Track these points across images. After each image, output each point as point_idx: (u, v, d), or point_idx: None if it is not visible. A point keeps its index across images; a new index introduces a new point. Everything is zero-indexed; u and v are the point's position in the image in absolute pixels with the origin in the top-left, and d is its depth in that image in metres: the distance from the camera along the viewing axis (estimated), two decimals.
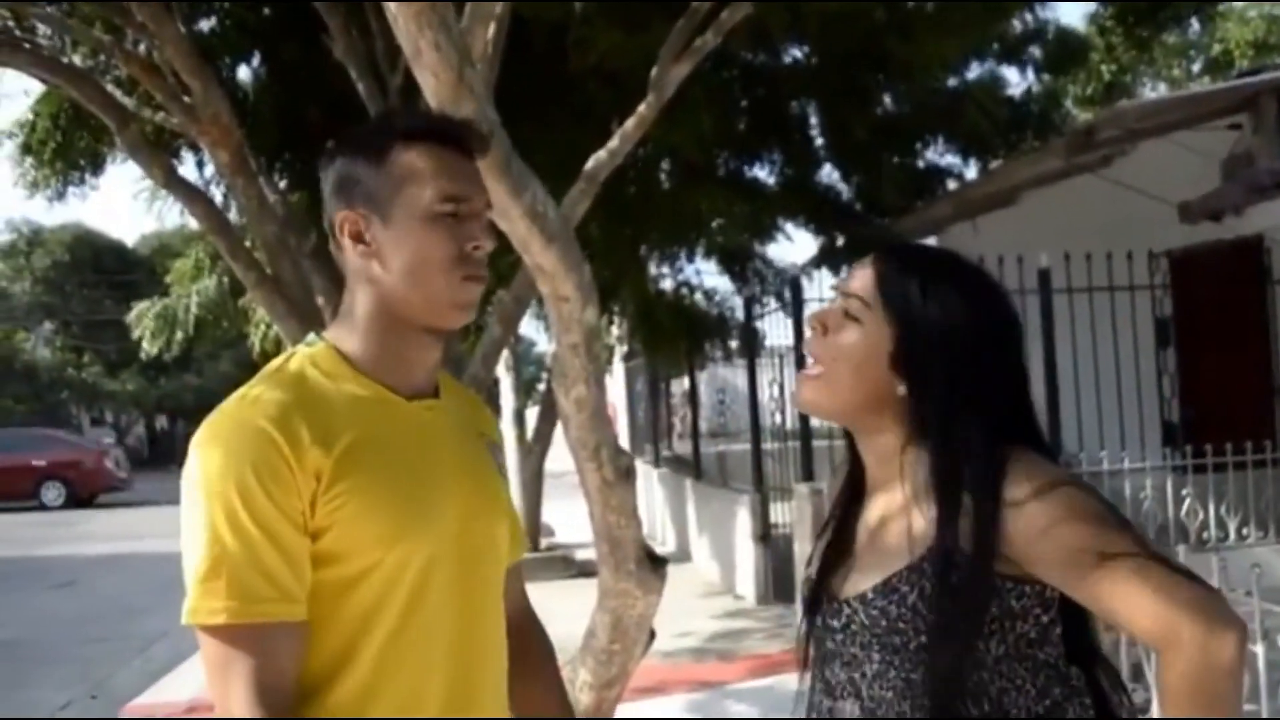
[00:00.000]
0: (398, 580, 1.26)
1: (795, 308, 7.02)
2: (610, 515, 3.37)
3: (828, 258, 10.26)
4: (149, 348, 10.54)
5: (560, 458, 11.42)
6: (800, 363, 7.06)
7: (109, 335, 34.53)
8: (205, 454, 1.23)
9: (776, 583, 7.76)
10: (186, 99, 4.18)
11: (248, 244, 4.74)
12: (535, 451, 10.88)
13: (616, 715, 4.01)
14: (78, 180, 6.80)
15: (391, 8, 2.00)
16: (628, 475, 3.32)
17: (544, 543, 10.72)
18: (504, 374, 13.17)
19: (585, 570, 9.38)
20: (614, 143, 4.15)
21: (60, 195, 6.66)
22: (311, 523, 1.22)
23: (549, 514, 11.73)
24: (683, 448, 12.17)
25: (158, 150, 4.84)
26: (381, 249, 1.31)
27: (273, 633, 1.19)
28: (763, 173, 10.10)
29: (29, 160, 6.40)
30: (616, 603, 3.57)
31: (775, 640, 6.84)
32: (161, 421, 42.63)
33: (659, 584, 3.56)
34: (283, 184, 6.07)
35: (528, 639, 1.52)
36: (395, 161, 1.30)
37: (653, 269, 10.39)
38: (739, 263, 10.54)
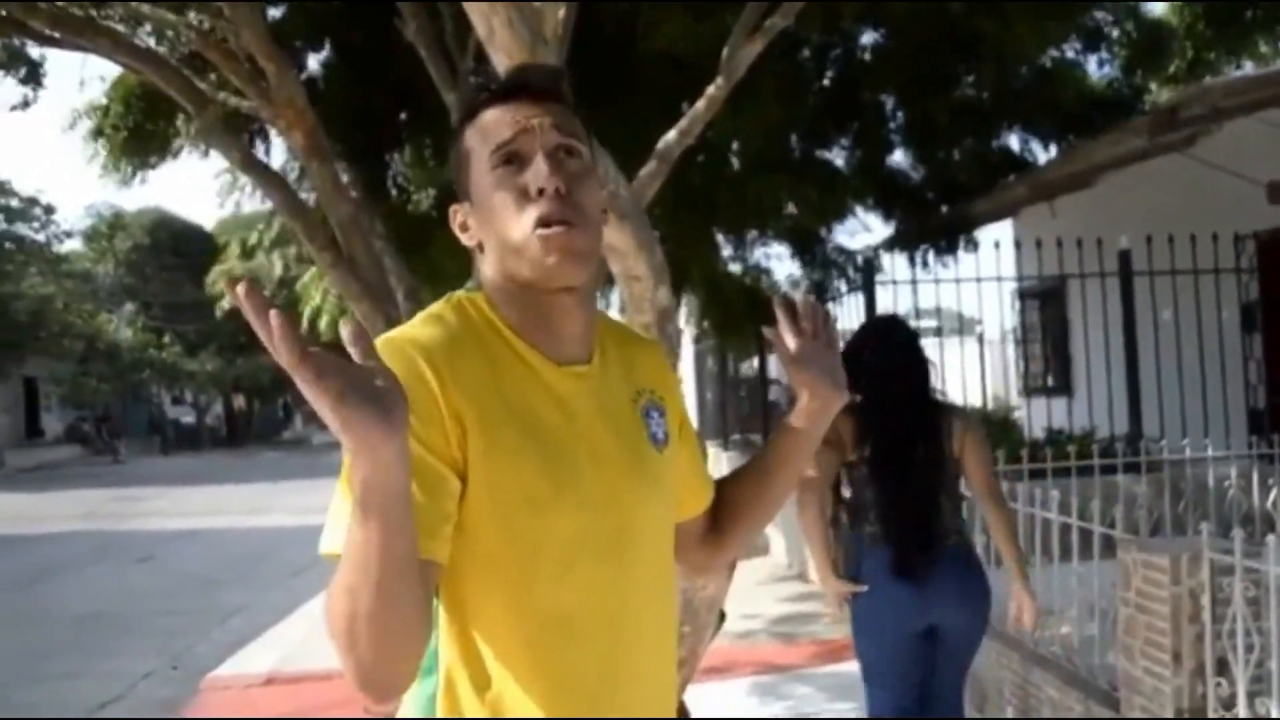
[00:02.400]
0: (543, 549, 1.20)
1: (867, 290, 6.94)
2: None
3: (900, 241, 10.15)
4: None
5: None
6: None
7: (188, 316, 35.45)
8: None
9: (846, 566, 7.67)
10: (262, 83, 4.24)
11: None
12: None
13: (685, 696, 4.03)
14: (150, 165, 6.92)
15: None
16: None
17: None
18: None
19: None
20: (684, 123, 4.12)
21: (131, 179, 6.74)
22: (461, 466, 1.17)
23: None
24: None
25: (234, 133, 4.92)
26: (476, 229, 1.30)
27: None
28: (835, 156, 10.03)
29: (100, 143, 6.49)
30: (686, 585, 3.56)
31: (843, 625, 6.78)
32: (239, 401, 43.64)
33: (728, 568, 3.55)
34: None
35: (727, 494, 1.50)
36: (464, 141, 1.29)
37: (724, 252, 10.37)
38: (810, 246, 10.46)
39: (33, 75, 5.59)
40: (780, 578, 8.54)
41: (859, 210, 10.32)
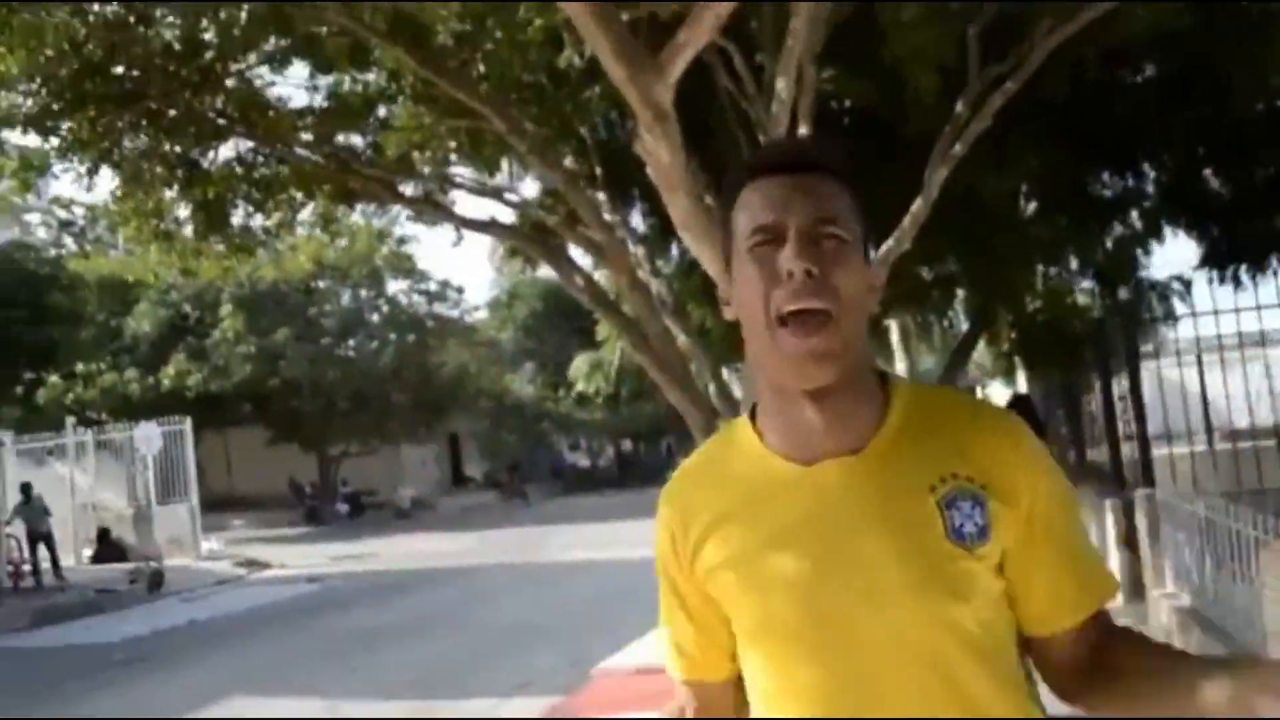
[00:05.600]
0: (760, 653, 1.26)
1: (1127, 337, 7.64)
2: None
3: (1211, 260, 10.38)
4: (582, 387, 13.60)
5: None
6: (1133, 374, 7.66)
7: None
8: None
9: (1138, 585, 8.25)
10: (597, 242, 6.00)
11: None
12: None
13: None
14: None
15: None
16: None
17: None
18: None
19: None
20: (897, 233, 5.39)
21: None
22: (703, 591, 1.30)
23: None
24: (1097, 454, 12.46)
25: (579, 270, 6.76)
26: (735, 306, 1.25)
27: (692, 688, 1.40)
28: (1138, 183, 10.44)
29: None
30: None
31: None
32: (626, 444, 47.64)
33: None
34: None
35: (1110, 649, 1.26)
36: (731, 213, 1.25)
37: (1028, 289, 11.03)
38: (1114, 275, 10.87)
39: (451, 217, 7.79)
40: None
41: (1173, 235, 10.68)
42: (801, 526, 1.20)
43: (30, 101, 5.16)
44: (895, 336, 13.29)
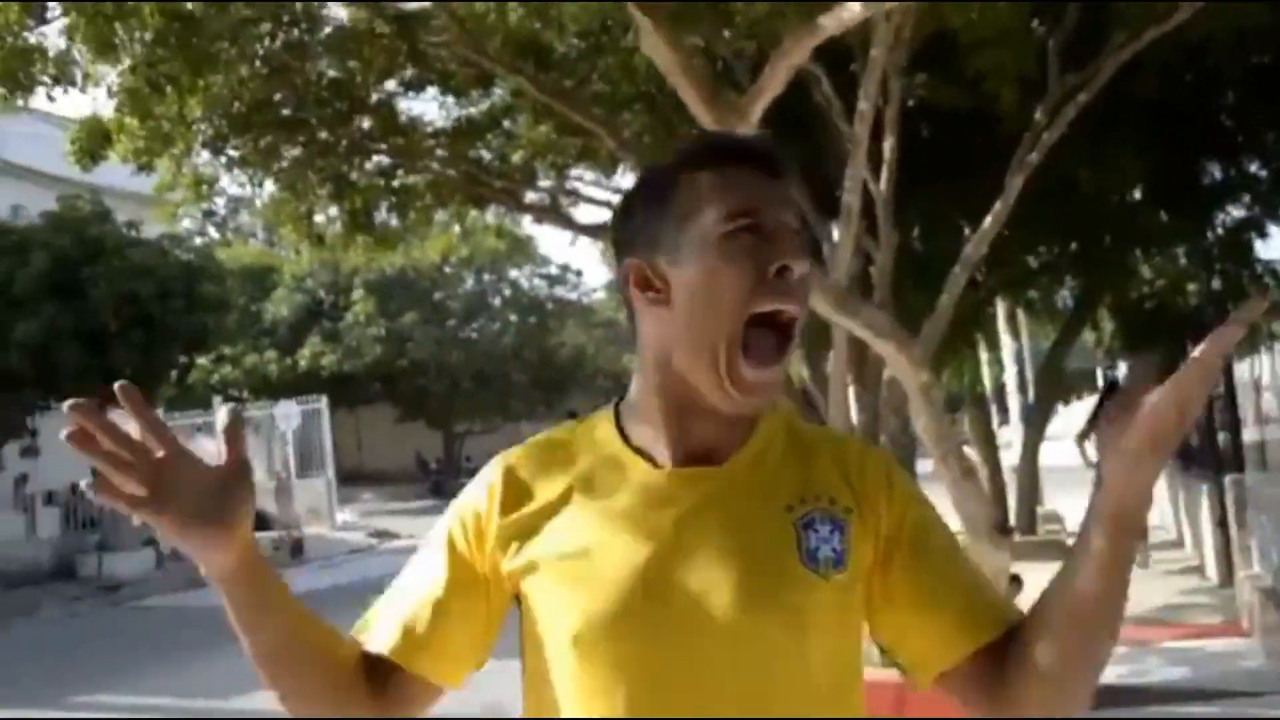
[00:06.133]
0: (573, 649, 1.10)
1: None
2: (962, 498, 5.12)
3: None
4: None
5: (1057, 454, 12.63)
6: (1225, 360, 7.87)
7: None
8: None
9: (1230, 566, 8.47)
10: None
11: None
12: (1029, 448, 12.22)
13: None
14: None
15: None
16: (968, 473, 5.05)
17: (1042, 529, 12.02)
18: (1013, 378, 14.61)
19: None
20: (977, 236, 5.79)
21: None
22: (495, 576, 1.16)
23: (1061, 505, 13.01)
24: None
25: None
26: (671, 290, 1.12)
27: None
28: (1240, 170, 10.44)
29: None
30: (976, 559, 5.29)
31: (1216, 614, 7.75)
32: None
33: (1005, 545, 5.22)
34: None
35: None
36: (679, 192, 1.12)
37: (1133, 273, 11.15)
38: (1227, 261, 10.88)
39: (569, 224, 8.43)
40: (1184, 571, 9.46)
41: None
42: (650, 528, 1.11)
43: (205, 126, 5.99)
44: (1001, 319, 13.54)
